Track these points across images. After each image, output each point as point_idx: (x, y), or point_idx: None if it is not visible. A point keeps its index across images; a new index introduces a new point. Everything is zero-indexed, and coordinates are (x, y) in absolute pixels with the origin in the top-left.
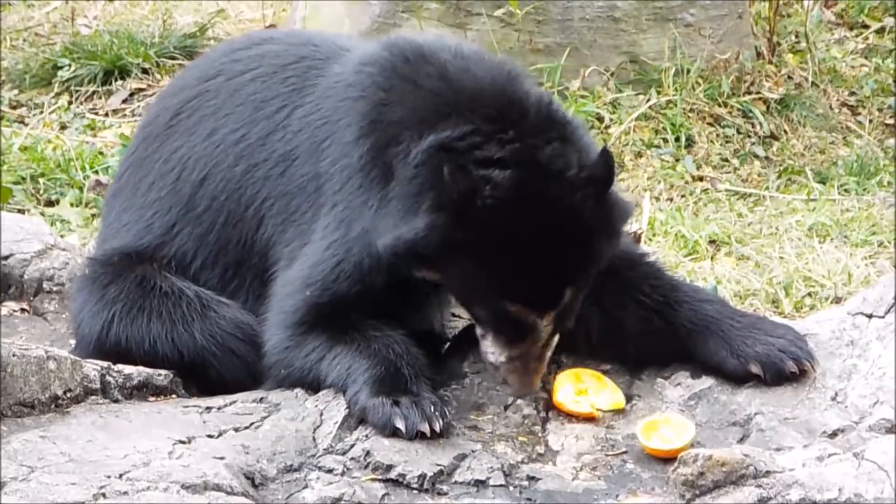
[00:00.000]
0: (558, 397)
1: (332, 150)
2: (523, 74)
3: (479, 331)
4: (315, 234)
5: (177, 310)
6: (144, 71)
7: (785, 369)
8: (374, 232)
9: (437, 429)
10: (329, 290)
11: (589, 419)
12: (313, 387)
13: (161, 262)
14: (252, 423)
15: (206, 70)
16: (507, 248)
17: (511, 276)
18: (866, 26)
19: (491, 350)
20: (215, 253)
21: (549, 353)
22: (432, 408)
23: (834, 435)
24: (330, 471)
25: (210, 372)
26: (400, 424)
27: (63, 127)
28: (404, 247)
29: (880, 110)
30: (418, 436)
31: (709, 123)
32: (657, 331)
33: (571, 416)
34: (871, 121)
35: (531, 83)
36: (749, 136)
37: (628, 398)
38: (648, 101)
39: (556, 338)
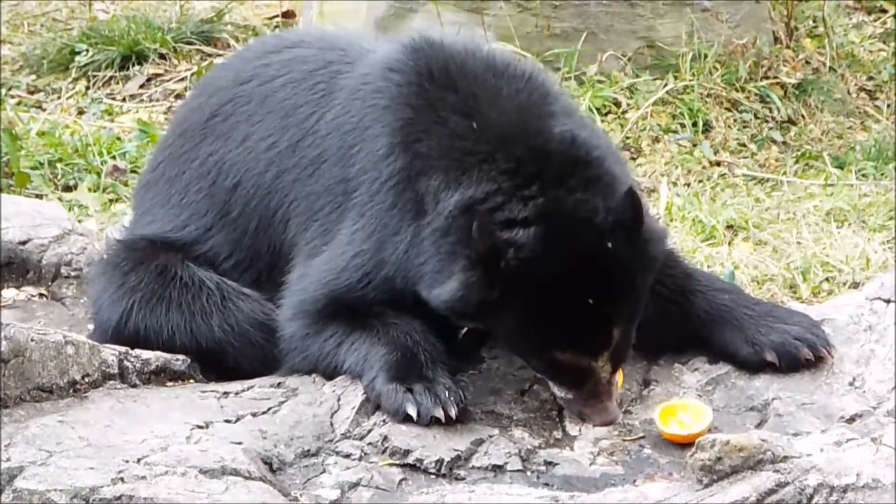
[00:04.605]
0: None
1: (361, 157)
2: (550, 97)
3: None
4: (340, 236)
5: (196, 301)
6: (162, 56)
7: (800, 357)
8: (407, 263)
9: (453, 414)
10: (353, 291)
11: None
12: (329, 373)
13: (189, 256)
14: (270, 408)
15: (241, 73)
16: (545, 301)
17: (555, 327)
18: (884, 10)
19: (557, 390)
20: (249, 258)
21: (617, 379)
22: (447, 393)
23: (852, 420)
24: (347, 456)
25: (228, 362)
26: (412, 411)
27: (80, 112)
28: (444, 307)
29: None
30: (434, 421)
31: (726, 108)
32: (672, 320)
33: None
34: (889, 105)
35: (560, 107)
36: (766, 121)
37: (646, 383)
38: (665, 85)
39: (621, 370)
